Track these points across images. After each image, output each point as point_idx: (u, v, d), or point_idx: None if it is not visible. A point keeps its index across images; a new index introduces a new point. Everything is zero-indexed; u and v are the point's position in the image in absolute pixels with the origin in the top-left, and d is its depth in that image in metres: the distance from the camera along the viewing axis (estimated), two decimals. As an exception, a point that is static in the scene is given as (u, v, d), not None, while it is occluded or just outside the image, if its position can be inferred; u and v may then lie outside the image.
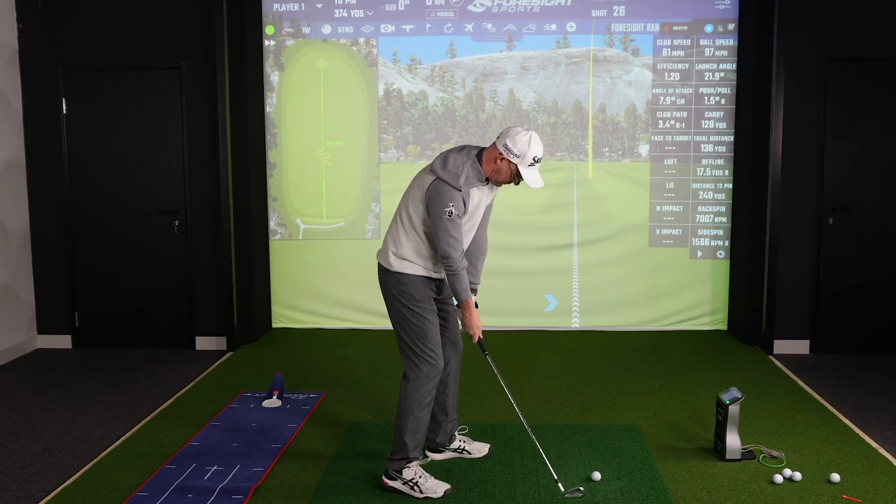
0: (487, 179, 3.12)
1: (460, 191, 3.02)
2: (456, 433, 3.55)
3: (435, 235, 3.04)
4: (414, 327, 3.13)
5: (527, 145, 3.02)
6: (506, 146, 3.04)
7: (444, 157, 3.09)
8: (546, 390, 4.45)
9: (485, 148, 3.14)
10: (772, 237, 5.15)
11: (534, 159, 3.05)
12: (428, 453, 3.50)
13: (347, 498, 3.14)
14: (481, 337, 3.22)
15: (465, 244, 3.17)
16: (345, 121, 5.66)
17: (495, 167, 3.08)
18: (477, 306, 3.22)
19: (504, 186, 3.23)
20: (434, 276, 3.20)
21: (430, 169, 3.09)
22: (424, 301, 3.16)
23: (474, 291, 3.28)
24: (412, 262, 3.14)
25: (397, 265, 3.13)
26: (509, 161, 3.05)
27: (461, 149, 3.12)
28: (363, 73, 5.62)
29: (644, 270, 5.69)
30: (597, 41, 5.54)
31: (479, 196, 3.15)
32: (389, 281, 3.16)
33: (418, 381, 3.13)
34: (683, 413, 4.09)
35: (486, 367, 4.75)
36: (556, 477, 3.16)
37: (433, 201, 3.01)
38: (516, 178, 3.10)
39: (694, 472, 3.37)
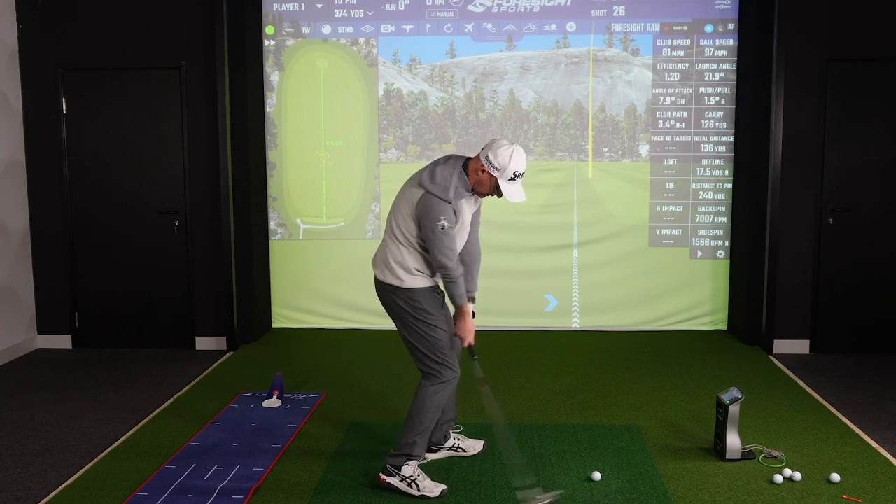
0: (473, 190, 3.13)
1: (450, 203, 3.01)
2: (451, 432, 3.55)
3: (430, 248, 3.04)
4: (431, 339, 3.14)
5: (507, 159, 3.00)
6: (487, 158, 3.03)
7: (432, 169, 3.07)
8: (546, 390, 4.45)
9: (471, 158, 3.14)
10: (772, 237, 5.15)
11: (514, 174, 3.03)
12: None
13: (347, 498, 3.14)
14: (472, 343, 3.21)
15: (458, 251, 3.17)
16: (345, 121, 5.66)
17: (477, 178, 3.08)
18: (474, 315, 3.23)
19: None
20: (438, 284, 3.24)
21: (419, 183, 3.06)
22: (436, 312, 3.17)
23: (472, 300, 3.28)
24: (420, 276, 3.14)
25: (409, 281, 3.13)
26: (490, 174, 3.04)
27: (447, 159, 3.12)
28: (363, 73, 5.62)
29: (644, 270, 5.69)
30: (597, 41, 5.54)
31: (468, 206, 3.15)
32: (399, 298, 3.15)
33: (440, 384, 3.16)
34: (683, 413, 4.09)
35: (487, 368, 4.74)
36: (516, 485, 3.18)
37: (424, 216, 3.00)
38: (496, 190, 3.09)
39: (694, 472, 3.37)
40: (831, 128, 5.19)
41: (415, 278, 3.13)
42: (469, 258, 3.33)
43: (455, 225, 3.04)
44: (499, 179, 3.03)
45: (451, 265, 3.03)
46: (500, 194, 3.10)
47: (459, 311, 3.17)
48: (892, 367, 4.97)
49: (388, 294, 3.18)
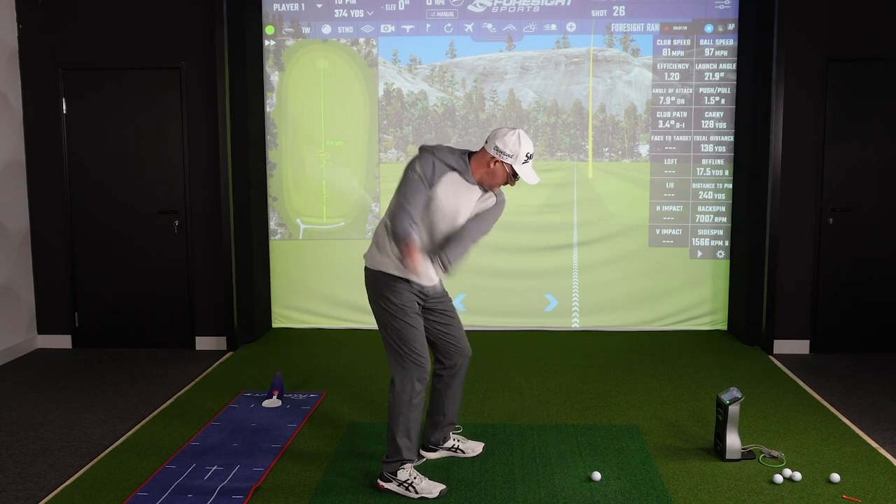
0: (481, 185, 3.12)
1: (434, 156, 3.05)
2: (451, 433, 3.55)
3: (398, 190, 3.03)
4: (393, 329, 3.12)
5: (517, 144, 3.04)
6: (496, 148, 3.05)
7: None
8: (546, 390, 4.45)
9: (473, 153, 3.14)
10: (772, 237, 5.15)
11: (526, 156, 3.06)
12: (422, 452, 3.50)
13: (347, 498, 3.14)
14: (424, 281, 3.04)
15: (437, 231, 3.11)
16: (345, 121, 5.66)
17: (488, 171, 3.08)
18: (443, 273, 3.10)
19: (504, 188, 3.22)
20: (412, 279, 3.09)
21: None
22: (404, 304, 3.12)
23: (442, 260, 3.07)
24: (389, 259, 3.09)
25: (377, 261, 3.13)
26: (503, 162, 3.06)
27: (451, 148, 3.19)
28: (363, 73, 5.62)
29: (644, 270, 5.69)
30: (597, 41, 5.54)
31: (460, 190, 3.09)
32: (369, 280, 3.18)
33: (404, 382, 3.11)
34: (683, 413, 4.09)
35: (487, 368, 4.76)
36: None
37: (408, 164, 3.06)
38: (512, 178, 3.11)
39: (694, 472, 3.37)
40: (831, 128, 5.19)
41: (384, 260, 3.10)
42: (468, 231, 3.16)
43: (429, 181, 3.01)
44: (513, 165, 3.06)
45: (402, 222, 2.90)
46: (513, 182, 3.13)
47: (402, 249, 2.94)
48: (892, 367, 4.97)
49: (365, 276, 3.19)
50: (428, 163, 3.04)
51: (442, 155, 3.08)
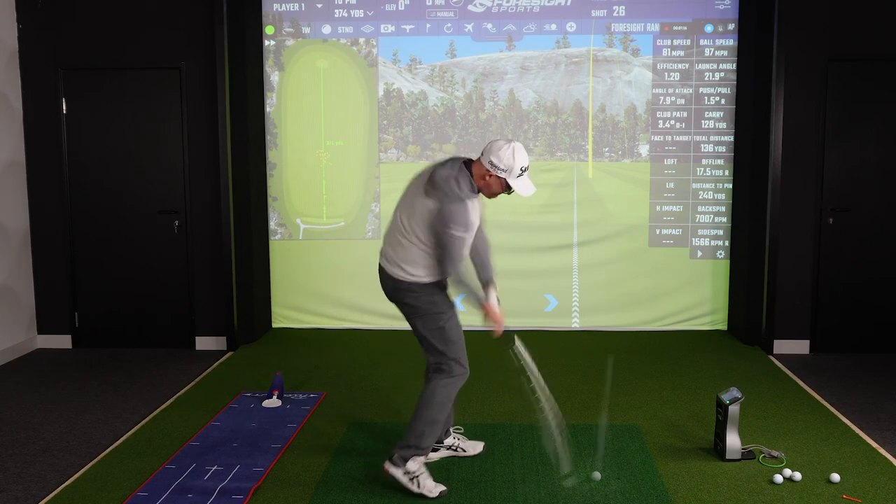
0: (480, 191, 3.14)
1: (462, 201, 3.01)
2: (451, 429, 3.56)
3: (443, 251, 3.04)
4: (436, 330, 3.18)
5: (511, 158, 3.03)
6: (491, 163, 3.05)
7: (431, 179, 3.05)
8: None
9: (473, 161, 3.14)
10: (772, 237, 5.15)
11: (521, 169, 3.06)
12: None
13: (347, 497, 3.14)
14: (500, 332, 3.29)
15: (466, 252, 3.20)
16: (345, 121, 5.66)
17: (485, 182, 3.10)
18: (499, 301, 3.30)
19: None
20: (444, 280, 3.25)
21: (425, 193, 3.05)
22: (446, 308, 3.21)
23: (493, 285, 3.32)
24: (427, 273, 3.16)
25: (421, 276, 3.15)
26: (498, 177, 3.06)
27: (444, 164, 3.11)
28: (363, 73, 5.62)
29: (644, 270, 5.69)
30: (597, 41, 5.55)
31: (475, 207, 3.14)
32: (412, 292, 3.18)
33: (451, 378, 3.19)
34: (683, 413, 4.09)
35: (487, 368, 4.76)
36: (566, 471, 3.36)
37: (440, 224, 3.00)
38: (507, 189, 3.12)
39: (694, 472, 3.37)
40: (831, 128, 5.19)
41: (420, 275, 3.15)
42: (480, 247, 3.35)
43: (469, 230, 3.04)
44: (508, 179, 3.06)
45: (455, 270, 3.08)
46: (510, 192, 3.14)
47: (483, 306, 3.23)
48: (892, 367, 4.98)
49: (394, 287, 3.20)
50: (462, 214, 3.00)
51: (464, 191, 3.03)
